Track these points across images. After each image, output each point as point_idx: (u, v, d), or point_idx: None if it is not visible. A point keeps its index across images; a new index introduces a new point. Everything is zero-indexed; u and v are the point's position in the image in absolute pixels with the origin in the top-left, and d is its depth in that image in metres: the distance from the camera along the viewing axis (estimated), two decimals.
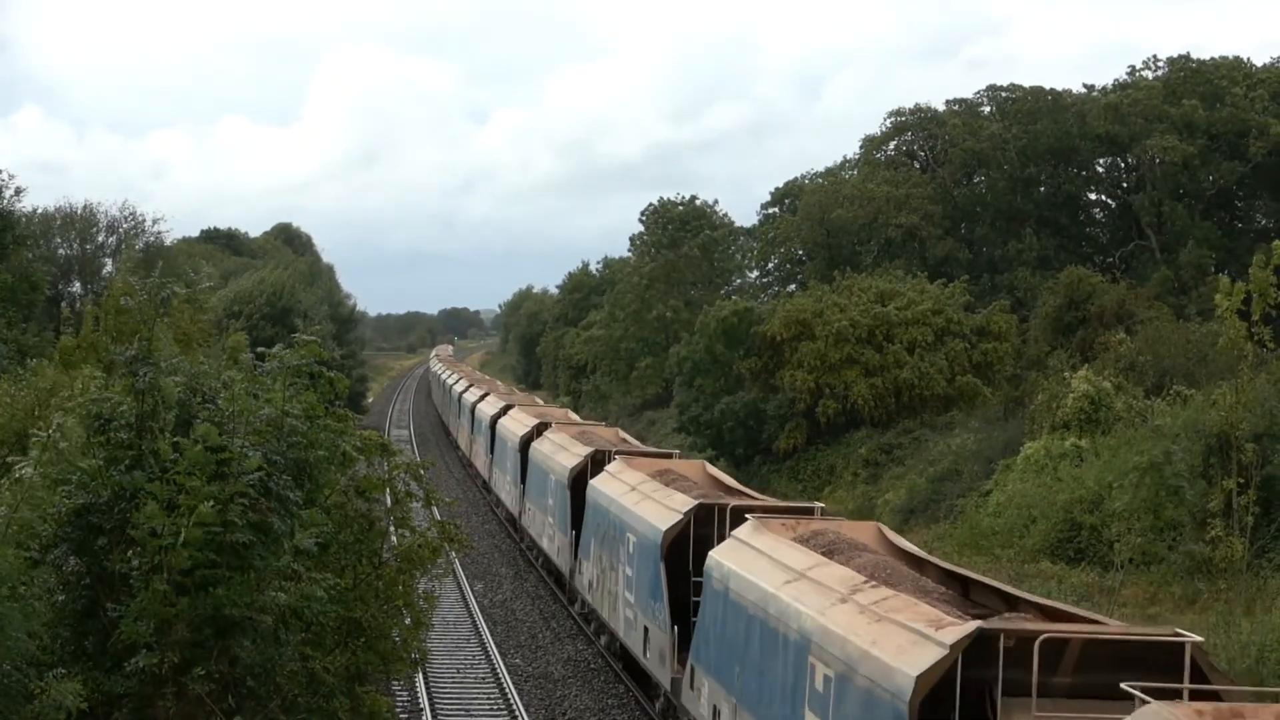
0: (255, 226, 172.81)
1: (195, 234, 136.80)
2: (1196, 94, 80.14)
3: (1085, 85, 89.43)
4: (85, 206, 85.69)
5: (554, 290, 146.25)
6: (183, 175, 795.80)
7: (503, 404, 63.72)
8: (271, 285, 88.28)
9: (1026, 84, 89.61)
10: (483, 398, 72.12)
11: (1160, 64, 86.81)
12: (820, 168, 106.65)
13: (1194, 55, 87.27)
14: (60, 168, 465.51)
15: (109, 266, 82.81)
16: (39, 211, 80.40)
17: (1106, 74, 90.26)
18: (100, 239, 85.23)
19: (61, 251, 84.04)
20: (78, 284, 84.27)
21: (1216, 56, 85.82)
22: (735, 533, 24.48)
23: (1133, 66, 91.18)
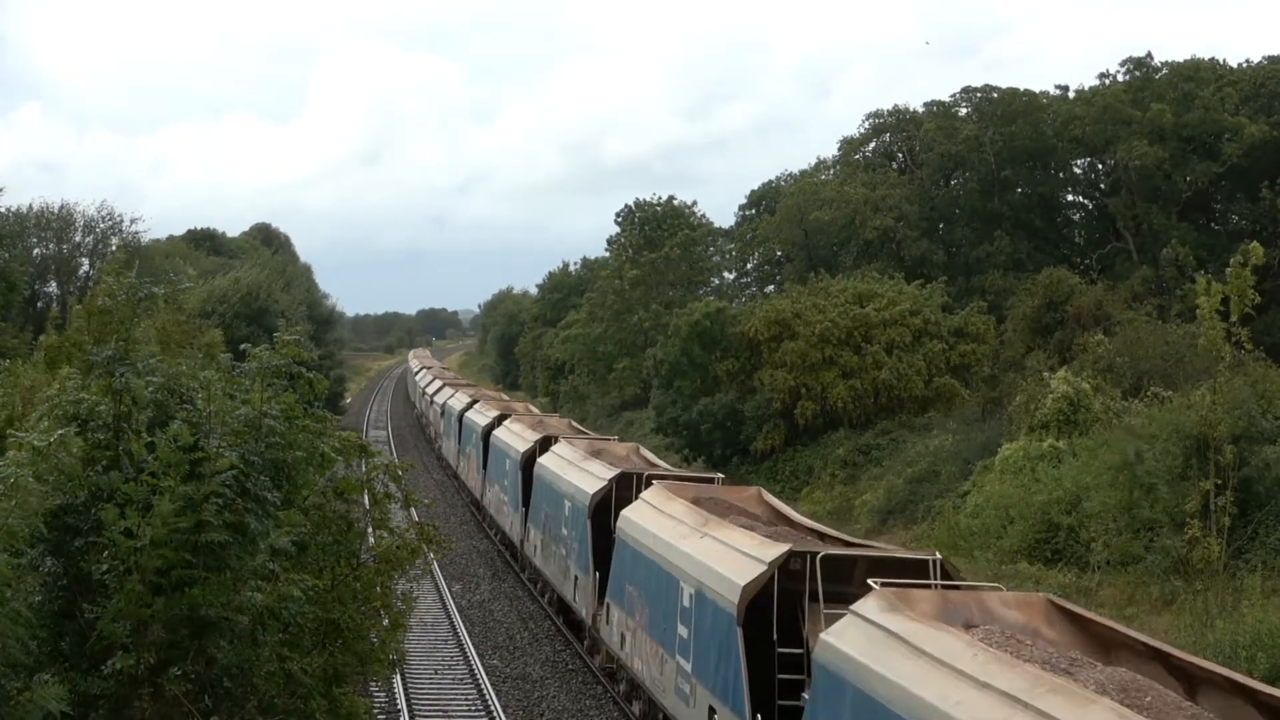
0: (248, 226, 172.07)
1: (189, 233, 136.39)
2: (1165, 97, 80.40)
3: (1058, 87, 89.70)
4: (62, 206, 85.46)
5: (534, 291, 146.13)
6: (182, 173, 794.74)
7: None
8: (247, 285, 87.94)
9: (1035, 86, 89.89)
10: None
11: (1132, 65, 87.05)
12: (795, 170, 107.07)
13: (1162, 57, 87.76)
14: (59, 166, 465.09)
15: (86, 266, 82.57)
16: (14, 210, 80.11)
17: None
18: (77, 239, 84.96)
19: (37, 251, 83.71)
20: (54, 284, 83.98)
21: (1191, 57, 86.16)
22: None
23: (1106, 70, 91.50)
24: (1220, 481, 36.30)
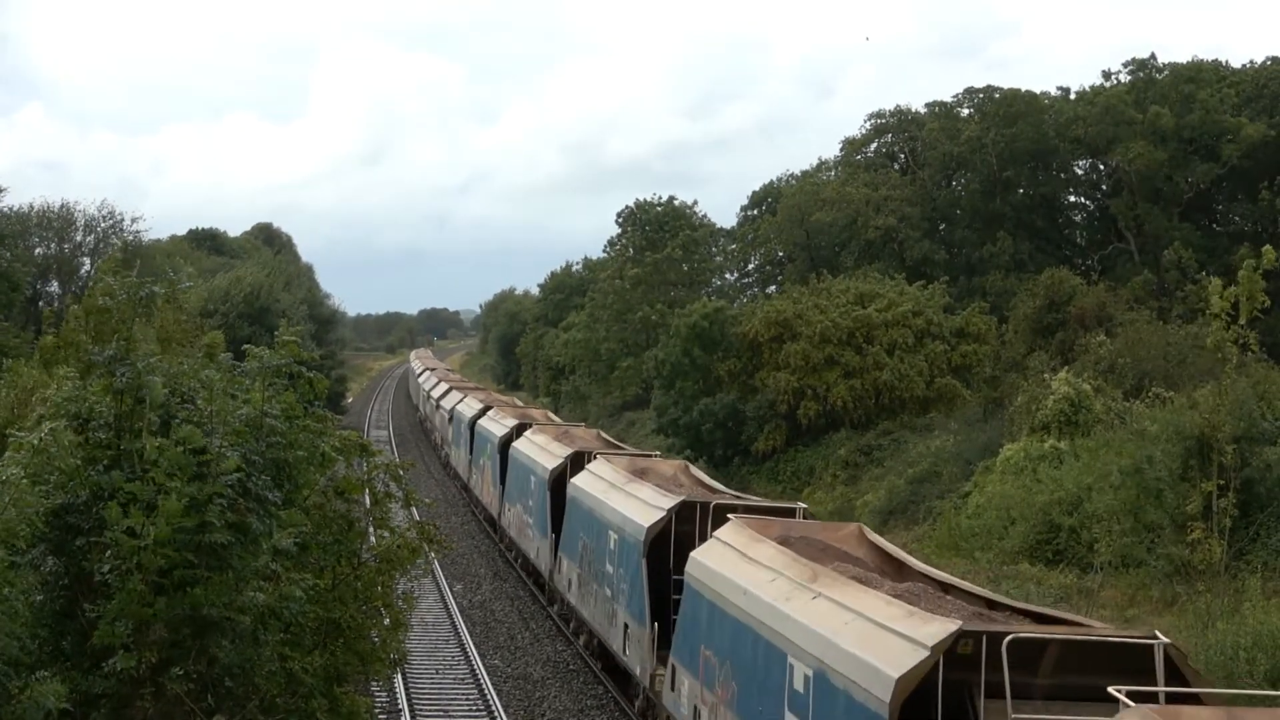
0: (250, 225, 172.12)
1: (191, 232, 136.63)
2: (1166, 99, 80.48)
3: (1060, 88, 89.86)
4: (63, 206, 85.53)
5: (535, 291, 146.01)
6: (184, 173, 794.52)
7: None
8: (249, 284, 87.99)
9: (1040, 86, 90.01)
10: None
11: (1134, 66, 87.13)
12: (797, 171, 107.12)
13: (1167, 57, 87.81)
14: (61, 166, 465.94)
15: (87, 266, 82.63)
16: (15, 210, 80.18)
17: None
18: (78, 238, 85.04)
19: (39, 251, 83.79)
20: (55, 284, 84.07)
21: (1194, 58, 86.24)
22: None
23: (1108, 69, 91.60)
24: (1222, 483, 36.30)
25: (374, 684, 27.19)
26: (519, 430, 49.10)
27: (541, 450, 42.73)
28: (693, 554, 24.62)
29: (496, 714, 29.20)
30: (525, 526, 43.64)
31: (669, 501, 28.48)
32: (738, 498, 29.90)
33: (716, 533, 24.51)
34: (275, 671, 13.51)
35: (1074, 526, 41.46)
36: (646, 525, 28.24)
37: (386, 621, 16.94)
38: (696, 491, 30.75)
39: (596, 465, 35.63)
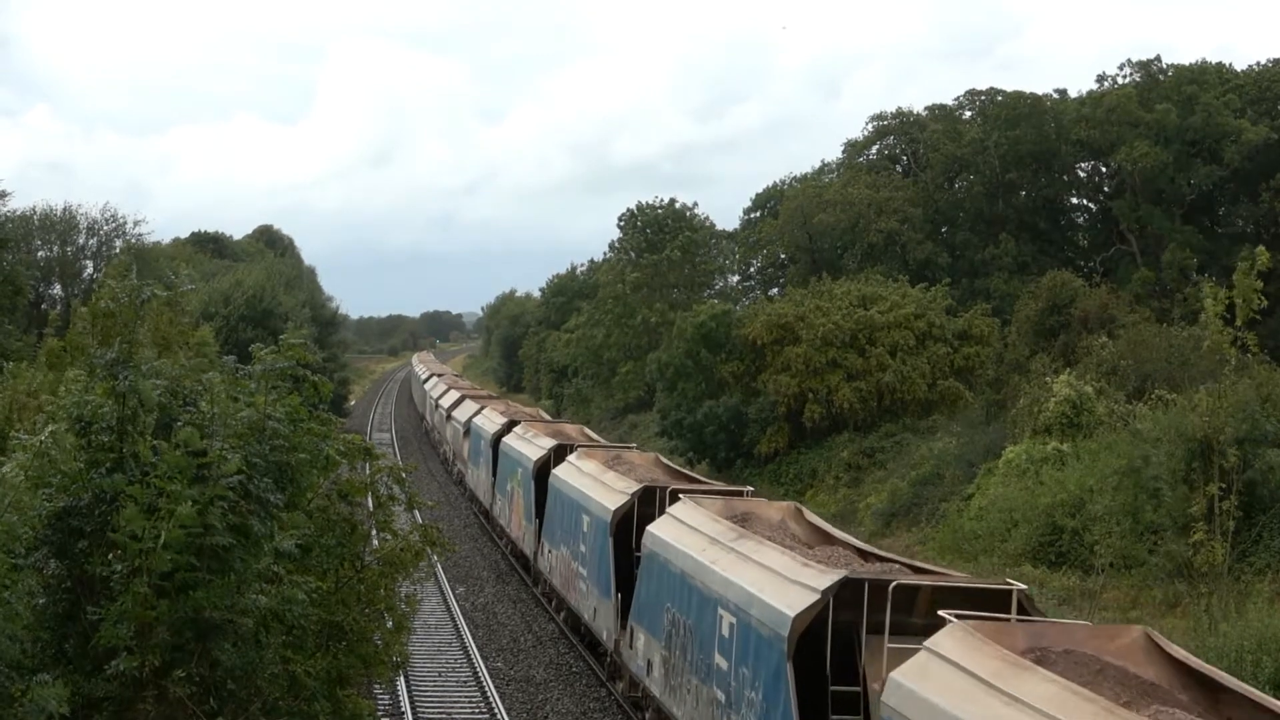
0: (254, 227, 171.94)
1: (193, 235, 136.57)
2: (1169, 99, 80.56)
3: (1057, 90, 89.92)
4: (65, 209, 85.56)
5: (538, 293, 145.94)
6: (190, 174, 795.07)
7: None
8: (251, 287, 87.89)
9: (1048, 87, 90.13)
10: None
11: (1135, 68, 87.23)
12: (799, 173, 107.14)
13: (1174, 59, 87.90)
14: (67, 167, 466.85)
15: (90, 269, 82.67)
16: (18, 213, 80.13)
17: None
18: (81, 241, 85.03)
19: (41, 254, 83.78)
20: (58, 286, 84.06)
21: (1199, 60, 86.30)
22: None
23: (1103, 72, 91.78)
24: (1224, 485, 36.28)
25: (377, 686, 27.22)
26: (558, 453, 41.65)
27: (595, 483, 34.86)
28: (895, 676, 16.43)
29: (499, 716, 29.19)
30: (575, 578, 35.86)
31: (822, 579, 20.09)
32: (918, 570, 21.50)
33: (932, 643, 16.32)
34: (278, 674, 13.51)
35: (1076, 528, 41.45)
36: (792, 614, 19.83)
37: (389, 624, 16.96)
38: (834, 553, 23.05)
39: (682, 510, 27.54)
